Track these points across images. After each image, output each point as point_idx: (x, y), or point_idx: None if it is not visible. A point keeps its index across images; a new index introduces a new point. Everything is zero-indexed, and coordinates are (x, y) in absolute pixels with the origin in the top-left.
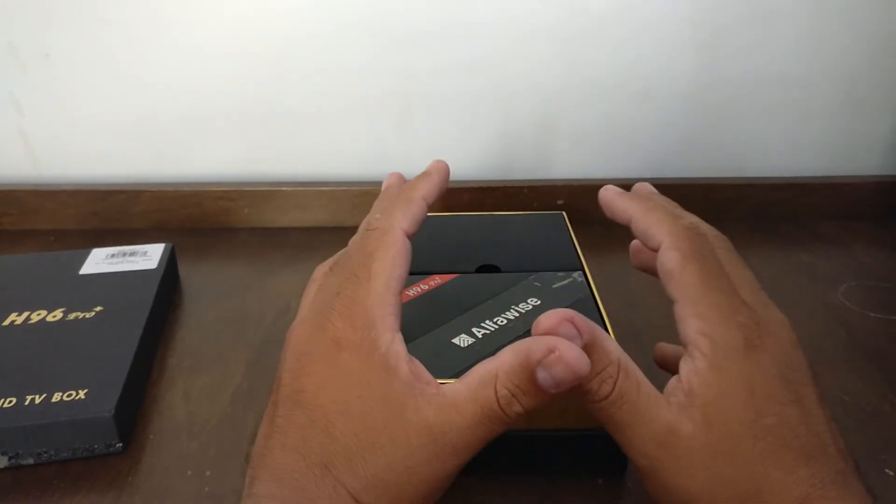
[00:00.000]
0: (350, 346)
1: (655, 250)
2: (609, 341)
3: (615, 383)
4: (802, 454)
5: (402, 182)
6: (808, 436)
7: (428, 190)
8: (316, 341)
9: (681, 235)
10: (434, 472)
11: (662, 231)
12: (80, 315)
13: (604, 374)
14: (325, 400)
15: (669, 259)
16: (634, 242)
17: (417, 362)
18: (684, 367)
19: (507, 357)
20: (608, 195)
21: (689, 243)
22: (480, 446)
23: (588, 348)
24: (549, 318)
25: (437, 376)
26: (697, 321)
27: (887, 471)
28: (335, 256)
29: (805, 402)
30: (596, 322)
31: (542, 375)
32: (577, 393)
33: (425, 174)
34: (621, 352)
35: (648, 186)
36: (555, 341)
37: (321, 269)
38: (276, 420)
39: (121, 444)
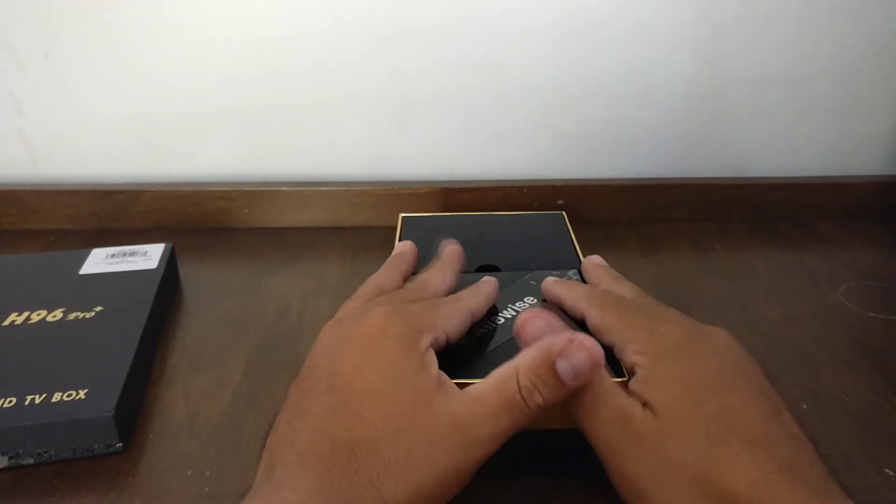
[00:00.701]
0: (395, 335)
1: (581, 320)
2: (582, 335)
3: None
4: (745, 439)
5: (413, 252)
6: (750, 422)
7: (481, 306)
8: (358, 329)
9: (595, 297)
10: (455, 463)
11: (581, 301)
12: (80, 315)
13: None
14: (360, 383)
15: (592, 316)
16: None
17: (445, 374)
18: (633, 385)
19: (529, 352)
20: (545, 286)
21: (600, 299)
22: (503, 438)
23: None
24: (526, 313)
25: None
26: (630, 345)
27: (887, 471)
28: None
29: (744, 393)
30: None
31: (562, 366)
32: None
33: (483, 295)
34: (594, 342)
35: (596, 258)
36: (573, 333)
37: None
38: (305, 404)
39: (121, 444)
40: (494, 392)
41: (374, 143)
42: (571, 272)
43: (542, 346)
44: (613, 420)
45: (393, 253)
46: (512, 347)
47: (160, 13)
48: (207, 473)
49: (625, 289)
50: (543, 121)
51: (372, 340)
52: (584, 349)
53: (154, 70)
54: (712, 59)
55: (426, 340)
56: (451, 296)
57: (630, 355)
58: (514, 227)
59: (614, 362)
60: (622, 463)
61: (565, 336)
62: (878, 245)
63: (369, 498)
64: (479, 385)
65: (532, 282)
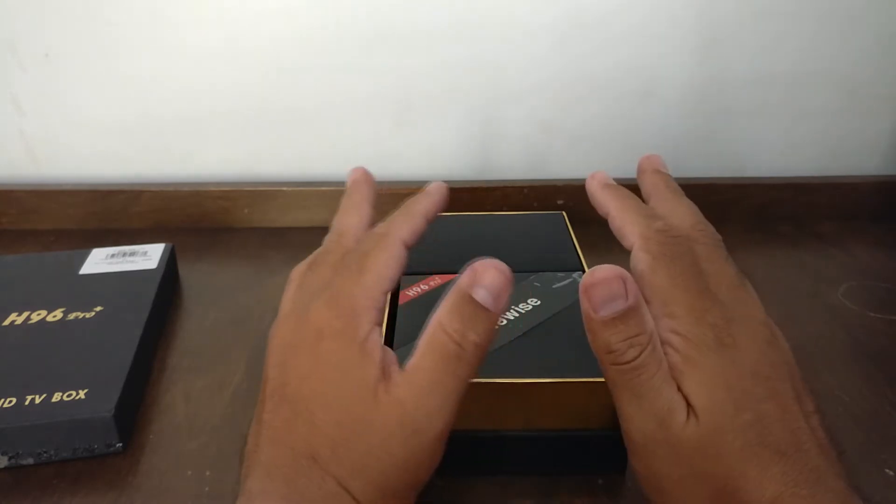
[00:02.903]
0: (332, 334)
1: (629, 249)
2: (648, 314)
3: (642, 351)
4: (777, 451)
5: (367, 177)
6: (783, 432)
7: (427, 207)
8: (300, 333)
9: (651, 238)
10: (412, 450)
11: (634, 233)
12: (80, 315)
13: (635, 340)
14: (308, 391)
15: (640, 261)
16: None
17: (390, 351)
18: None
19: (443, 302)
20: (592, 186)
21: (658, 246)
22: (455, 401)
23: (629, 312)
24: (603, 271)
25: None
26: (668, 321)
27: (887, 471)
28: (312, 256)
29: (781, 399)
30: None
31: (479, 294)
32: (600, 352)
33: (426, 192)
34: (654, 327)
35: (657, 160)
36: (473, 264)
37: (298, 270)
38: (264, 416)
39: (121, 444)
40: (427, 354)
41: (373, 143)
42: (576, 274)
43: (452, 290)
44: (657, 415)
45: (347, 186)
46: (514, 348)
47: (160, 13)
48: (207, 473)
49: (683, 210)
50: (543, 121)
51: (313, 346)
52: (492, 268)
53: (155, 70)
54: (712, 59)
55: (365, 324)
56: (379, 226)
57: (664, 332)
58: (514, 227)
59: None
60: (653, 459)
61: (467, 270)
62: (878, 245)
63: (341, 503)
64: (413, 355)
65: (536, 283)
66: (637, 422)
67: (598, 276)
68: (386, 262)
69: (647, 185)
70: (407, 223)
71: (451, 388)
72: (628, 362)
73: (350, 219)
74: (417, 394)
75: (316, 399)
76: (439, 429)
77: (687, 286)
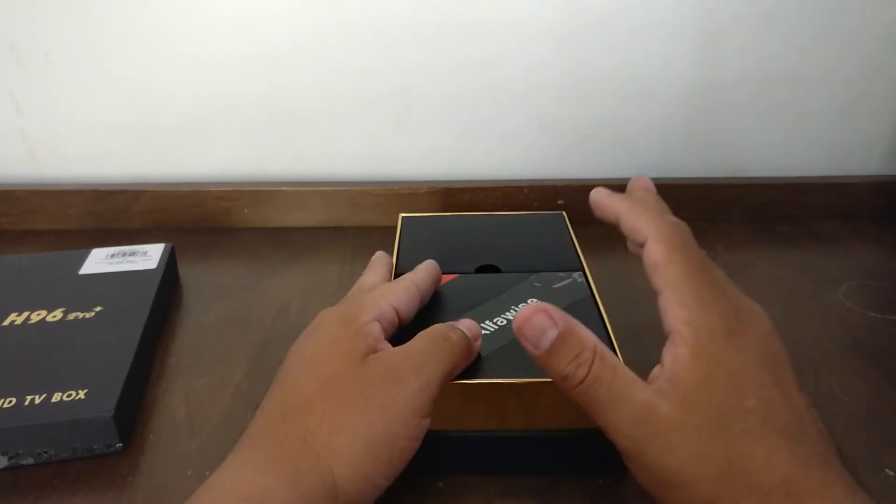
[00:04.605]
0: (336, 319)
1: (642, 245)
2: (584, 330)
3: (590, 367)
4: (784, 434)
5: (386, 255)
6: (789, 417)
7: (426, 281)
8: (310, 329)
9: (666, 229)
10: (392, 397)
11: (649, 226)
12: (80, 315)
13: (579, 359)
14: (297, 361)
15: (655, 251)
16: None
17: (386, 342)
18: (667, 354)
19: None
20: (598, 196)
21: (673, 236)
22: (437, 380)
23: (563, 336)
24: (525, 311)
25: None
26: (681, 310)
27: (887, 471)
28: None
29: (785, 386)
30: (596, 322)
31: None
32: (558, 382)
33: (424, 269)
34: (597, 340)
35: (646, 181)
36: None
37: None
38: (262, 404)
39: (121, 444)
40: (420, 337)
41: (374, 143)
42: (576, 274)
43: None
44: (636, 416)
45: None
46: (514, 348)
47: (160, 13)
48: (207, 473)
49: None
50: (543, 121)
51: (314, 329)
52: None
53: (154, 70)
54: (712, 60)
55: (367, 315)
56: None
57: (675, 322)
58: (514, 227)
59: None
60: (647, 456)
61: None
62: (878, 245)
63: (302, 454)
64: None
65: (536, 283)
66: (619, 429)
67: (524, 317)
68: (395, 286)
69: (616, 207)
70: (419, 277)
71: (438, 361)
72: (583, 380)
73: (369, 276)
74: (404, 355)
75: (304, 364)
76: (418, 385)
77: (700, 277)
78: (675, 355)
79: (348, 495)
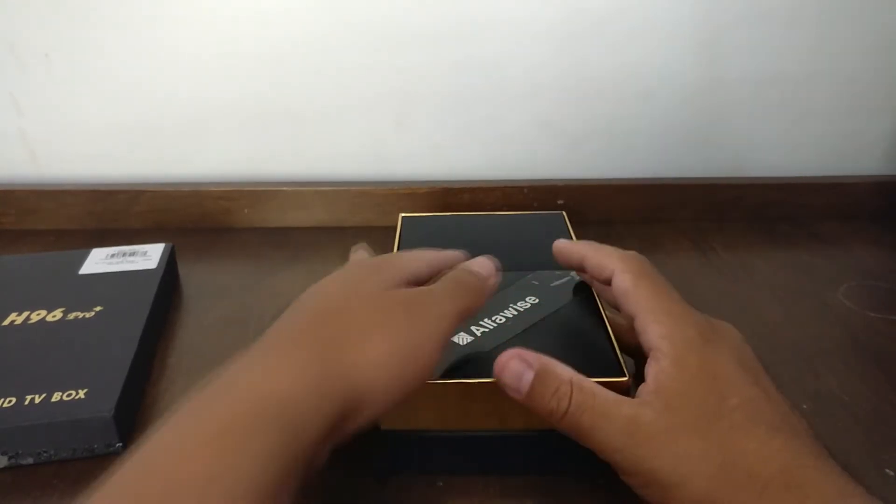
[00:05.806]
0: (367, 266)
1: (608, 280)
2: (559, 365)
3: (570, 398)
4: (772, 427)
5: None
6: (774, 413)
7: (434, 255)
8: (339, 271)
9: (629, 259)
10: (417, 314)
11: (613, 259)
12: (80, 315)
13: (559, 393)
14: (320, 288)
15: (623, 280)
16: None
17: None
18: (650, 369)
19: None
20: (559, 244)
21: (637, 266)
22: (451, 321)
23: (540, 375)
24: (500, 360)
25: (434, 374)
26: (657, 327)
27: (887, 471)
28: None
29: (765, 385)
30: (596, 321)
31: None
32: (546, 418)
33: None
34: (573, 372)
35: (566, 242)
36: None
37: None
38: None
39: (121, 444)
40: (442, 280)
41: (374, 143)
42: (574, 272)
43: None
44: (623, 430)
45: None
46: (512, 346)
47: (160, 13)
48: None
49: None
50: (543, 121)
51: (340, 272)
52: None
53: (154, 70)
54: (712, 60)
55: (391, 272)
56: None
57: (654, 338)
58: (514, 227)
59: (610, 362)
60: (638, 464)
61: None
62: (878, 245)
63: (330, 359)
64: None
65: (534, 281)
66: (609, 445)
67: (500, 365)
68: (416, 260)
69: (580, 250)
70: (434, 255)
71: (459, 297)
72: (567, 411)
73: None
74: (428, 290)
75: (330, 286)
76: (441, 325)
77: (668, 297)
78: (657, 368)
79: (369, 403)
